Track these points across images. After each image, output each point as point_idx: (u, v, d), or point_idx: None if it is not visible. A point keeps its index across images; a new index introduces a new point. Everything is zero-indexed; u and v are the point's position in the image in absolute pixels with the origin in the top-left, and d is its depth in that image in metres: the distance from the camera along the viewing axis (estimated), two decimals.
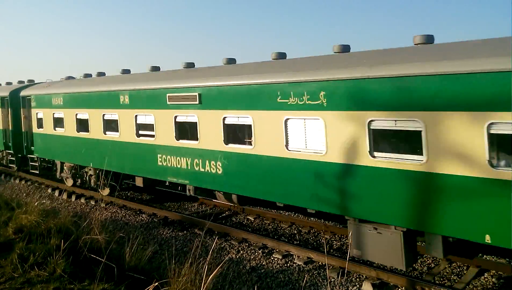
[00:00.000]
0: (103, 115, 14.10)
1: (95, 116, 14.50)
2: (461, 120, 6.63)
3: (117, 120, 13.58)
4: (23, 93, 18.99)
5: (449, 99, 6.75)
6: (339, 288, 8.36)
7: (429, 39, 8.24)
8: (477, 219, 6.58)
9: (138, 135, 12.91)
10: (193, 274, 6.02)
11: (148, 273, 7.28)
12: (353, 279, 8.66)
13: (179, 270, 6.17)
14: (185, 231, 12.08)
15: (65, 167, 16.93)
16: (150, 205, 14.52)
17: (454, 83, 6.69)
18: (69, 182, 17.18)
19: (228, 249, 10.62)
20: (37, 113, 17.77)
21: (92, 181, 15.63)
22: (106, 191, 15.25)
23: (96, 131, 14.53)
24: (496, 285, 8.03)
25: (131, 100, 12.95)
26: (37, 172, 19.06)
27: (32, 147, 18.74)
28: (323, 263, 9.27)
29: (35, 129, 18.11)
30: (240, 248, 10.62)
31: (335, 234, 11.06)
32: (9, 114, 19.96)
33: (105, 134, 14.14)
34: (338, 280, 8.63)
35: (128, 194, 16.55)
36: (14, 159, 20.94)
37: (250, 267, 9.61)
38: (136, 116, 12.88)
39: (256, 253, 10.24)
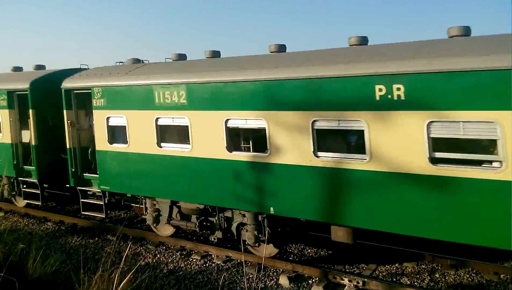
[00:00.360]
0: (313, 122, 7.61)
1: (287, 125, 7.95)
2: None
3: (361, 131, 7.25)
4: (68, 83, 11.33)
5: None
6: (257, 284, 8.50)
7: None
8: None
9: (435, 161, 6.65)
10: (105, 283, 5.70)
11: (55, 284, 6.77)
12: (270, 273, 8.86)
13: (89, 279, 5.81)
14: (96, 238, 11.42)
15: (177, 209, 10.22)
16: (57, 213, 13.51)
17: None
18: (167, 231, 10.78)
19: (144, 253, 10.26)
20: (108, 118, 10.44)
21: (249, 233, 8.97)
22: (269, 249, 9.24)
23: (291, 152, 7.90)
24: (398, 269, 8.74)
25: (417, 93, 6.64)
26: (103, 216, 11.37)
27: (91, 175, 11.39)
28: (242, 261, 9.35)
29: (102, 145, 10.62)
30: (157, 252, 10.31)
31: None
32: (31, 119, 12.34)
33: (316, 156, 7.65)
34: (256, 275, 8.77)
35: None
36: (38, 192, 12.89)
37: (168, 270, 9.38)
38: (429, 124, 6.60)
39: (174, 256, 10.03)
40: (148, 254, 10.23)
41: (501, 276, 8.04)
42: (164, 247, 10.52)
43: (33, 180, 12.77)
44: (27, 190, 13.23)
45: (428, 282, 8.15)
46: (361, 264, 9.08)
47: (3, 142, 13.09)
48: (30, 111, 12.35)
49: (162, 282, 8.85)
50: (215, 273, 9.10)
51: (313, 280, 8.44)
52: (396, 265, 8.89)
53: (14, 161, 12.86)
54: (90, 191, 11.51)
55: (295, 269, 8.75)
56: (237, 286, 8.51)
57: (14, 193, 13.74)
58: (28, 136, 12.82)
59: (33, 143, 12.38)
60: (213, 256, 9.79)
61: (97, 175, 10.95)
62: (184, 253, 10.13)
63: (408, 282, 8.18)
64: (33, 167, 12.53)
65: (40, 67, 14.10)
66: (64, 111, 11.45)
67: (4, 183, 13.71)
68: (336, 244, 10.01)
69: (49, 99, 12.42)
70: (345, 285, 8.07)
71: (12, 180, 13.54)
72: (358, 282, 8.04)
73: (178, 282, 8.84)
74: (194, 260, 9.73)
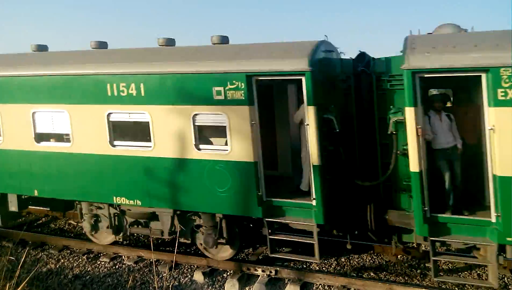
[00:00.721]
0: None
1: None
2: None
3: None
4: (423, 60, 6.42)
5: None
6: (170, 282, 8.33)
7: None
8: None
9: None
10: None
11: None
12: (185, 270, 8.73)
13: None
14: None
15: None
16: None
17: None
18: None
19: (46, 259, 9.50)
20: None
21: None
22: None
23: None
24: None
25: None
26: None
27: (461, 218, 6.79)
28: (155, 260, 9.09)
29: None
30: (60, 257, 9.61)
31: None
32: (312, 122, 7.26)
33: None
34: (168, 274, 8.58)
35: None
36: (313, 242, 7.70)
37: (73, 275, 8.79)
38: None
39: (80, 260, 9.42)
40: (50, 259, 9.49)
41: (399, 257, 8.80)
42: (69, 251, 9.84)
43: (307, 223, 7.64)
44: (276, 237, 7.95)
45: (335, 266, 8.65)
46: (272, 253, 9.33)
47: (233, 160, 7.69)
48: (309, 108, 7.23)
49: (67, 288, 8.28)
50: (126, 274, 8.73)
51: (228, 273, 8.50)
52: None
53: (258, 191, 7.64)
54: (447, 241, 6.98)
55: (210, 264, 8.73)
56: (150, 286, 8.26)
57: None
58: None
59: (315, 162, 7.35)
60: (123, 257, 9.38)
61: (488, 219, 6.42)
62: (91, 256, 9.57)
63: (317, 268, 8.61)
64: (314, 203, 7.48)
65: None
66: (407, 110, 6.66)
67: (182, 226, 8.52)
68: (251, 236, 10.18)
69: (326, 89, 7.73)
70: (259, 276, 8.25)
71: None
72: (271, 272, 8.26)
73: (85, 287, 8.35)
74: (103, 263, 9.24)
